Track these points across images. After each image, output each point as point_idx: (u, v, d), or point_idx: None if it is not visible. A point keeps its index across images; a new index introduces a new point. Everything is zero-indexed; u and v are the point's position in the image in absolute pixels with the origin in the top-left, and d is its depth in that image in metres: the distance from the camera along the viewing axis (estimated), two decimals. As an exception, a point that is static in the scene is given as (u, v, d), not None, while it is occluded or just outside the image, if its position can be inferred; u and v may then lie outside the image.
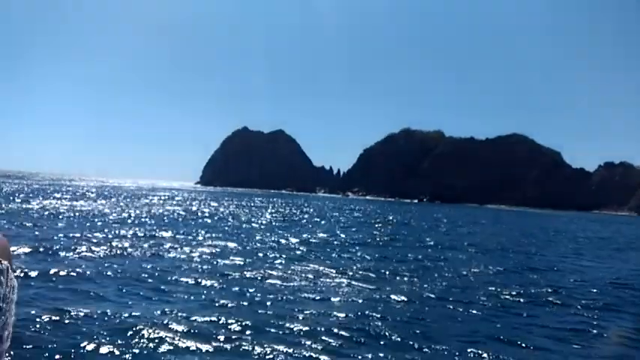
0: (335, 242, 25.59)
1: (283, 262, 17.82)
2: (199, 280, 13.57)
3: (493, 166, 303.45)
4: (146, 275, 13.83)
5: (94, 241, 19.72)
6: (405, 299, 12.73)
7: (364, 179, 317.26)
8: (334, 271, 16.12)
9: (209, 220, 35.90)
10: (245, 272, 15.07)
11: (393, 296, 12.92)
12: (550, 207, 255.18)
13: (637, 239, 49.30)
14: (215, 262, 16.55)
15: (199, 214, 42.52)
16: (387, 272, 16.67)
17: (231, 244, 21.64)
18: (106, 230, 23.70)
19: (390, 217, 59.36)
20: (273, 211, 56.21)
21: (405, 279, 15.73)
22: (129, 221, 30.06)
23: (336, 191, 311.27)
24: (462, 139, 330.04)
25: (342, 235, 30.25)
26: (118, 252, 17.36)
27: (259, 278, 14.37)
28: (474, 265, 19.67)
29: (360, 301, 12.40)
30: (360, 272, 16.35)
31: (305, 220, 43.44)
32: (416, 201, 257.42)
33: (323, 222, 41.83)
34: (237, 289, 12.89)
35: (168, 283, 13.17)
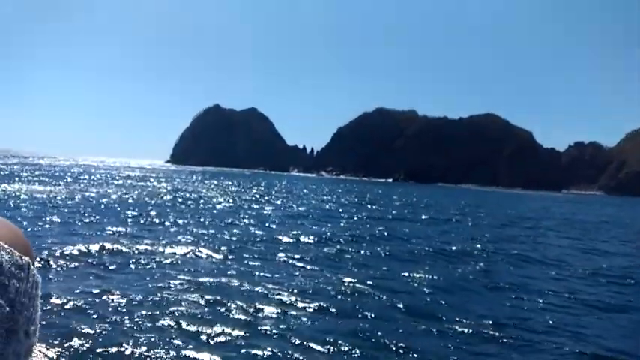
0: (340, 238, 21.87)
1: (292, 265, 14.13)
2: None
3: (466, 145, 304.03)
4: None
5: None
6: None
7: (338, 158, 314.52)
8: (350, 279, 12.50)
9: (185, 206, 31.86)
10: (242, 283, 11.33)
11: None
12: (521, 187, 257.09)
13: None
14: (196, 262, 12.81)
15: (181, 198, 38.40)
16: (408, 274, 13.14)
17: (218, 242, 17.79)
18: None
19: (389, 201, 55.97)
20: (267, 198, 52.10)
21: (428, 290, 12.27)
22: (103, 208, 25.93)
23: (311, 170, 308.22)
24: (436, 119, 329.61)
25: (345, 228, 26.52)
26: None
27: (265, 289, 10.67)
28: (508, 268, 16.20)
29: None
30: (372, 272, 12.80)
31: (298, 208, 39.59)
32: (390, 180, 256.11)
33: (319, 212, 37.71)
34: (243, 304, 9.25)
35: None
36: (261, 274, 12.30)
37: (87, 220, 19.70)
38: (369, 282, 12.18)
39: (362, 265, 14.55)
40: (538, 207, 69.57)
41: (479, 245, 20.14)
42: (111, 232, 16.97)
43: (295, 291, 10.86)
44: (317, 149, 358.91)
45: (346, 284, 11.84)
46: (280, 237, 18.55)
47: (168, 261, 12.92)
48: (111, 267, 11.87)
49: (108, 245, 14.05)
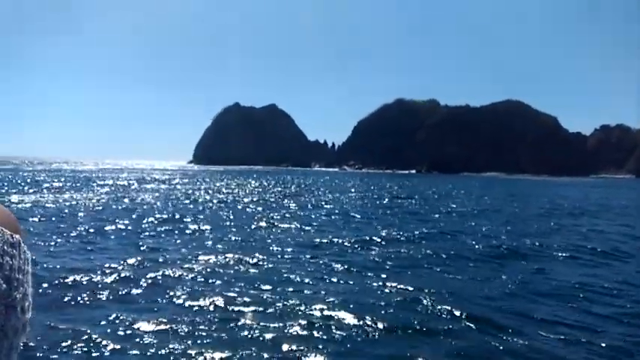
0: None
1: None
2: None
3: (489, 133, 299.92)
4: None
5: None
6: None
7: (360, 151, 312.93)
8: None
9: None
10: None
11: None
12: (547, 173, 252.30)
13: None
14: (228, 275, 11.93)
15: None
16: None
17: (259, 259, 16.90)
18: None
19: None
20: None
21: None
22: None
23: (333, 165, 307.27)
24: (457, 108, 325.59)
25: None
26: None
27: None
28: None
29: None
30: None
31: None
32: (414, 171, 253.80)
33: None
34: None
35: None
36: (297, 282, 11.32)
37: (111, 228, 18.92)
38: (415, 287, 11.10)
39: (405, 267, 13.43)
40: (571, 193, 67.49)
41: (525, 239, 18.87)
42: (136, 242, 16.12)
43: (335, 301, 9.83)
44: (338, 143, 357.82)
45: (392, 291, 10.78)
46: (313, 239, 17.55)
47: (197, 272, 11.99)
48: (136, 284, 10.91)
49: (134, 258, 13.20)
